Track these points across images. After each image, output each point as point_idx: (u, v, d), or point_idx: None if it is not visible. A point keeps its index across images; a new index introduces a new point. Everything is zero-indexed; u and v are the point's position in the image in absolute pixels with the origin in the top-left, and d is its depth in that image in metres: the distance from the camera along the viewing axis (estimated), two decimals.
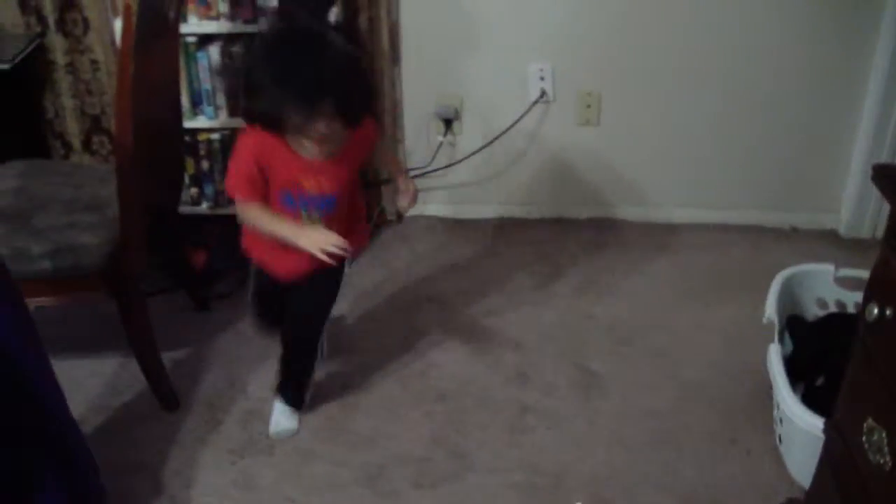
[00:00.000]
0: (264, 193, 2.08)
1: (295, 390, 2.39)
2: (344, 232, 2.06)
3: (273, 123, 1.97)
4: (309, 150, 2.04)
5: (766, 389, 2.32)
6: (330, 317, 2.34)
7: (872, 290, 1.58)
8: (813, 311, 2.54)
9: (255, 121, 2.01)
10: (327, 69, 1.90)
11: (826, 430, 1.81)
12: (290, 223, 2.07)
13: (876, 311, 1.53)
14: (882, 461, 1.51)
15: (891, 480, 1.47)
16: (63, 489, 1.85)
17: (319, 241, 1.99)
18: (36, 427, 1.81)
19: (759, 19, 2.97)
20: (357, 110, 2.00)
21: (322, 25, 2.06)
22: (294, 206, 2.11)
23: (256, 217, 2.08)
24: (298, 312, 2.30)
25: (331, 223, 2.12)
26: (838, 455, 1.73)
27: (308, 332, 2.32)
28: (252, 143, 2.04)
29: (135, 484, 2.21)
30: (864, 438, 1.58)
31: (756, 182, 3.25)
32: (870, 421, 1.57)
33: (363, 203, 2.42)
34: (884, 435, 1.51)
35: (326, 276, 2.19)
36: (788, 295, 2.51)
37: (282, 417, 2.37)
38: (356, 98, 1.99)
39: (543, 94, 3.12)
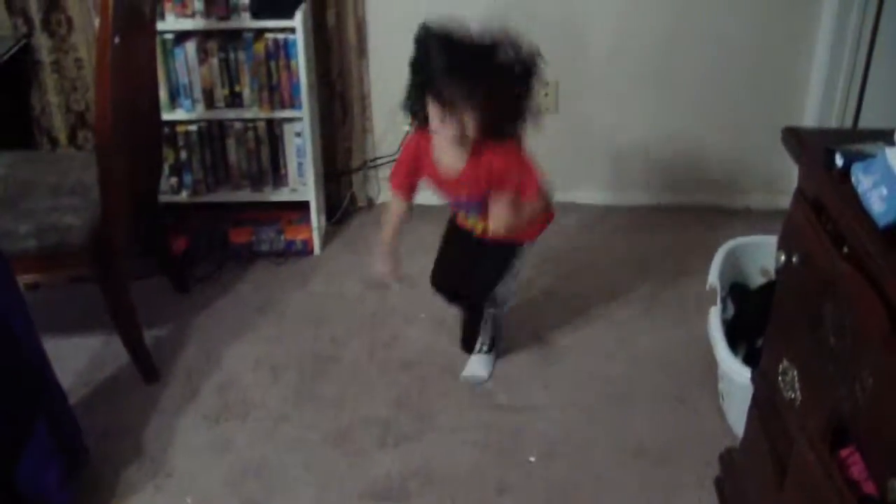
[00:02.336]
0: (410, 189, 2.41)
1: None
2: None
3: (416, 93, 2.21)
4: (444, 162, 2.28)
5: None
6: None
7: (782, 240, 1.73)
8: (756, 280, 2.68)
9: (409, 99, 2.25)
10: (474, 63, 2.12)
11: (753, 379, 1.96)
12: (385, 231, 2.46)
13: (783, 257, 1.69)
14: (793, 396, 1.66)
15: (800, 413, 1.62)
16: (50, 446, 1.99)
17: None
18: (25, 389, 1.95)
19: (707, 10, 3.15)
20: (478, 111, 2.12)
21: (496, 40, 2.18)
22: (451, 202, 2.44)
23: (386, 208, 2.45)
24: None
25: (478, 219, 2.40)
26: (764, 400, 1.88)
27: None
28: (412, 145, 2.35)
29: (117, 446, 2.35)
30: (780, 378, 1.73)
31: (711, 165, 3.40)
32: (784, 362, 1.72)
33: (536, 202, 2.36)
34: (795, 373, 1.67)
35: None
36: (733, 265, 2.65)
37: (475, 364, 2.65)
38: (480, 100, 2.11)
39: None
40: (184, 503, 2.20)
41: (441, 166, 2.28)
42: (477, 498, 2.20)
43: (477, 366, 2.62)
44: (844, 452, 1.46)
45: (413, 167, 2.34)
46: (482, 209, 2.33)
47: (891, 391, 1.25)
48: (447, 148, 2.24)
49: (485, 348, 2.65)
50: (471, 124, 2.13)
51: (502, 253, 2.46)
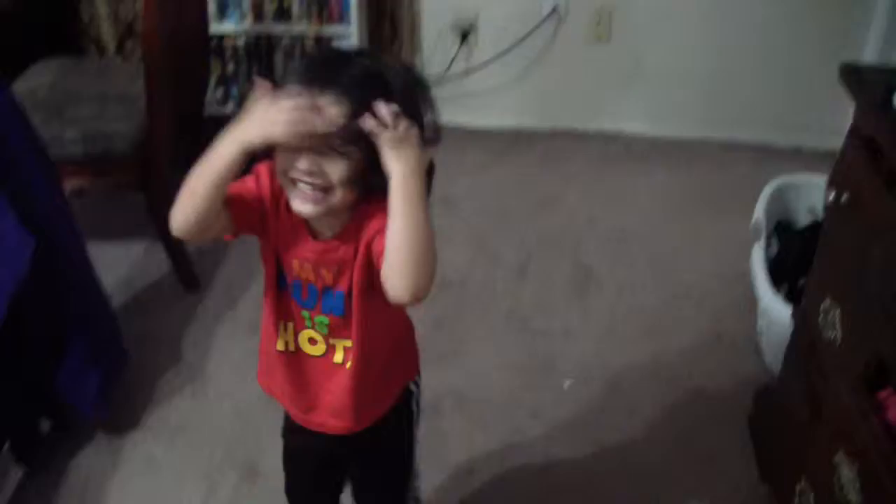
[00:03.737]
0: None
1: None
2: (376, 373, 1.47)
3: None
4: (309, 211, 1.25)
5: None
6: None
7: (833, 178, 1.70)
8: (802, 220, 2.64)
9: None
10: (352, 70, 1.22)
11: (793, 316, 1.94)
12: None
13: (833, 195, 1.67)
14: (834, 336, 1.64)
15: (840, 353, 1.61)
16: (90, 352, 2.02)
17: (264, 116, 1.16)
18: (68, 295, 1.98)
19: None
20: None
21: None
22: (290, 294, 1.45)
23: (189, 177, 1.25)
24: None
25: (341, 334, 1.41)
26: (803, 338, 1.86)
27: None
28: (266, 171, 1.31)
29: (156, 353, 2.40)
30: (820, 318, 1.71)
31: (763, 101, 3.34)
32: (827, 301, 1.70)
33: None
34: (837, 311, 1.65)
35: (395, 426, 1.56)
36: (780, 203, 2.62)
37: None
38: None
39: (555, 9, 3.22)
40: (220, 409, 2.24)
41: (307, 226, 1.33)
42: (510, 420, 2.21)
43: None
44: (882, 394, 1.45)
45: (257, 200, 1.32)
46: (345, 311, 1.38)
47: None
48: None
49: None
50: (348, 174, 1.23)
51: (396, 431, 1.57)
